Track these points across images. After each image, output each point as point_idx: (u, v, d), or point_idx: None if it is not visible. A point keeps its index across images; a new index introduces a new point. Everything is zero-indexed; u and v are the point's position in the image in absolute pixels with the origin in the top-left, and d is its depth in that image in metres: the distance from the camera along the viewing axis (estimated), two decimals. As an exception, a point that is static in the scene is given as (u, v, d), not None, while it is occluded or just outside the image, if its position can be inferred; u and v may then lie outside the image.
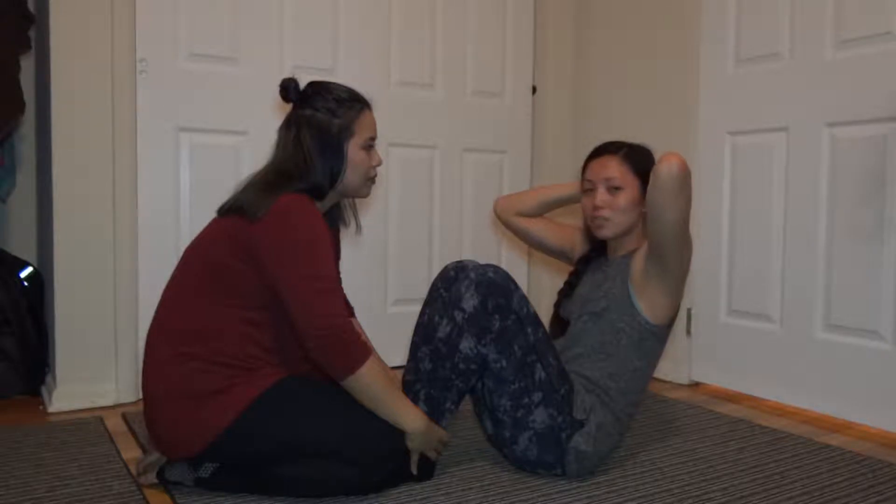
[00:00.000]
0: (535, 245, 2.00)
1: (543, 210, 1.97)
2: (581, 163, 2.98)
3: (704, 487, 1.60)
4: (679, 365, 2.59)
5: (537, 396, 1.57)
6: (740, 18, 2.41)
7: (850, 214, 2.12)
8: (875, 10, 2.05)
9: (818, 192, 2.20)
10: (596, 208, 1.72)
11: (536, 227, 1.96)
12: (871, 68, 2.06)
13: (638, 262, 1.68)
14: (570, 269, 1.92)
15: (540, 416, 1.58)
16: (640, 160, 1.72)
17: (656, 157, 1.75)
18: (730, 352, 2.46)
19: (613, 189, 1.70)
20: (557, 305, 1.84)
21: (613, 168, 1.71)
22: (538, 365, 1.57)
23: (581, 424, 1.60)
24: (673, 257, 1.59)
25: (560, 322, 1.81)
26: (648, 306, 1.66)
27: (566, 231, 1.96)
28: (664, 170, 1.48)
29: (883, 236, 2.04)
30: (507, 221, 1.99)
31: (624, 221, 1.72)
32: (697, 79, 2.53)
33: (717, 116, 2.48)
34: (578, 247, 1.93)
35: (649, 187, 1.53)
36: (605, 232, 1.73)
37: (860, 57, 2.09)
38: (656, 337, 1.69)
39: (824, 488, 1.60)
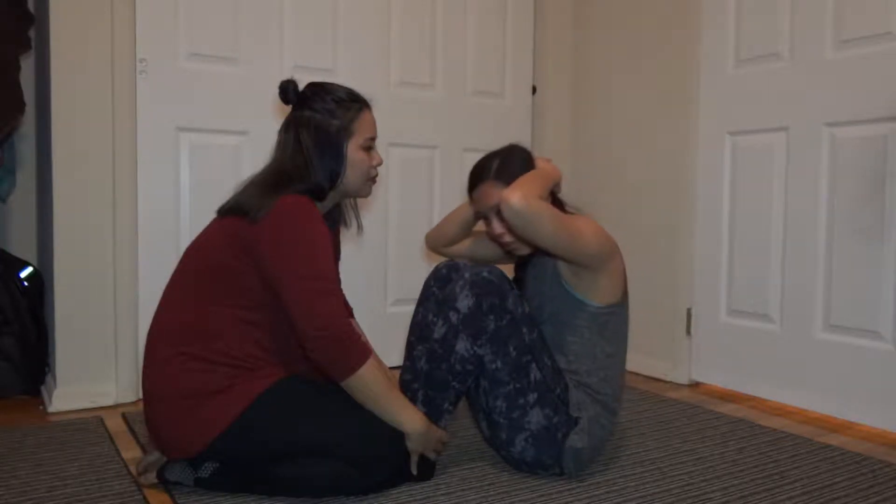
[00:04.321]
0: (476, 262, 1.93)
1: (466, 231, 1.90)
2: (581, 163, 2.97)
3: (704, 487, 1.60)
4: (679, 365, 2.59)
5: (532, 397, 1.57)
6: (740, 18, 2.41)
7: (850, 214, 2.12)
8: (875, 10, 2.05)
9: (818, 192, 2.20)
10: (497, 236, 1.69)
11: (471, 249, 1.92)
12: (871, 68, 2.06)
13: (562, 267, 1.64)
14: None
15: (535, 417, 1.57)
16: (512, 172, 1.64)
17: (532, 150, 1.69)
18: (730, 352, 2.46)
19: (504, 219, 1.60)
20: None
21: (492, 195, 1.65)
22: (533, 365, 1.57)
23: (576, 422, 1.60)
24: (577, 258, 1.56)
25: None
26: (593, 293, 1.62)
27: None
28: (505, 211, 1.46)
29: (883, 236, 2.04)
30: (441, 254, 1.95)
31: (530, 243, 1.66)
32: (697, 79, 2.53)
33: (717, 116, 2.48)
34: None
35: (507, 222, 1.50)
36: (518, 252, 1.70)
37: (860, 57, 2.09)
38: (616, 316, 1.65)
39: (824, 488, 1.60)
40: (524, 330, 1.57)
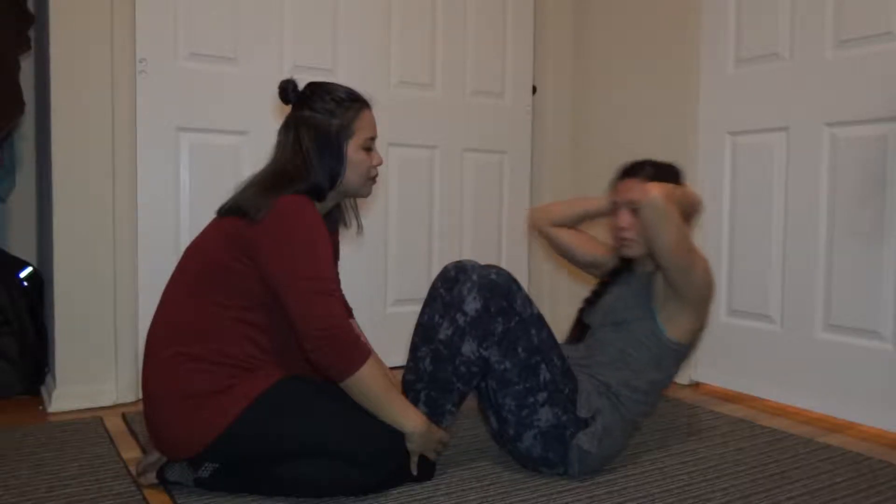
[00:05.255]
0: (565, 255, 1.99)
1: (577, 221, 1.96)
2: (581, 163, 2.99)
3: (704, 487, 1.60)
4: (679, 365, 2.59)
5: (542, 396, 1.58)
6: (740, 18, 2.41)
7: (850, 214, 2.12)
8: (875, 10, 2.05)
9: (818, 192, 2.20)
10: (620, 229, 1.75)
11: (569, 239, 1.96)
12: (871, 68, 2.06)
13: (661, 280, 1.70)
14: (595, 280, 1.94)
15: (545, 416, 1.58)
16: (664, 179, 1.70)
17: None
18: (730, 352, 2.46)
19: (636, 212, 1.71)
20: (581, 311, 1.86)
21: (637, 188, 1.70)
22: (542, 366, 1.58)
23: (585, 423, 1.60)
24: (681, 280, 1.61)
25: (581, 327, 1.83)
26: (671, 324, 1.67)
27: (597, 245, 1.97)
28: (644, 199, 1.54)
29: (883, 236, 2.04)
30: (541, 230, 1.98)
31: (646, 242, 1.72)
32: (697, 79, 2.53)
33: (717, 116, 2.48)
34: (607, 262, 1.94)
35: (640, 217, 1.58)
36: (629, 251, 1.75)
37: (860, 57, 2.09)
38: (677, 353, 1.70)
39: (824, 488, 1.60)
40: (532, 331, 1.58)
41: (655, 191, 1.53)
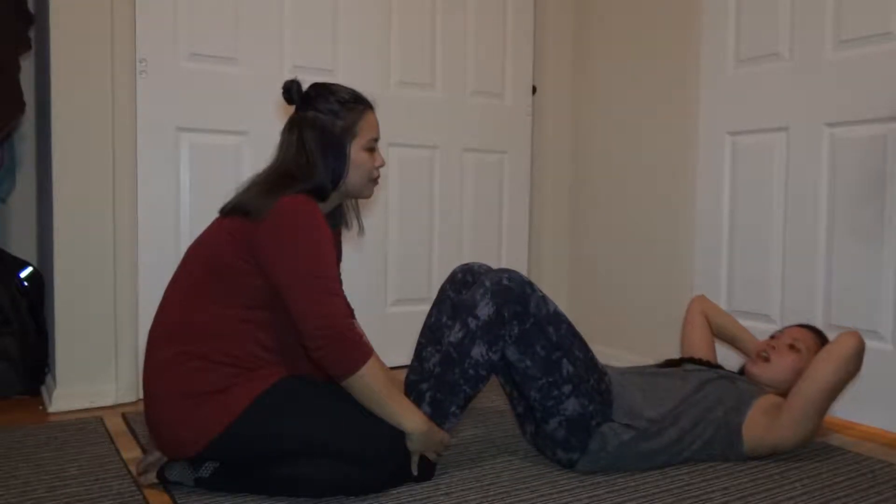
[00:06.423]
0: (685, 332, 2.13)
1: (724, 336, 2.12)
2: (581, 163, 3.01)
3: (704, 487, 1.60)
4: (679, 365, 2.59)
5: (567, 388, 1.60)
6: (740, 18, 2.41)
7: (850, 214, 2.12)
8: (875, 10, 2.05)
9: (818, 192, 2.20)
10: (768, 347, 1.88)
11: (699, 327, 2.11)
12: (871, 68, 2.06)
13: (771, 398, 1.78)
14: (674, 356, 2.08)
15: (571, 406, 1.61)
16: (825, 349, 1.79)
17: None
18: (730, 352, 2.46)
19: (793, 348, 1.86)
20: (681, 359, 1.94)
21: (808, 338, 1.88)
22: (564, 360, 1.60)
23: (612, 417, 1.64)
24: (794, 414, 1.68)
25: (670, 363, 1.92)
26: (750, 431, 1.72)
27: (707, 349, 2.08)
28: (842, 338, 1.68)
29: (883, 236, 2.05)
30: (693, 311, 2.14)
31: (778, 374, 1.85)
32: (697, 79, 2.53)
33: (717, 116, 2.48)
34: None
35: (823, 349, 1.72)
36: (757, 369, 1.86)
37: (860, 57, 2.09)
38: (725, 439, 1.73)
39: (824, 488, 1.60)
40: (550, 329, 1.59)
41: (859, 340, 1.67)
